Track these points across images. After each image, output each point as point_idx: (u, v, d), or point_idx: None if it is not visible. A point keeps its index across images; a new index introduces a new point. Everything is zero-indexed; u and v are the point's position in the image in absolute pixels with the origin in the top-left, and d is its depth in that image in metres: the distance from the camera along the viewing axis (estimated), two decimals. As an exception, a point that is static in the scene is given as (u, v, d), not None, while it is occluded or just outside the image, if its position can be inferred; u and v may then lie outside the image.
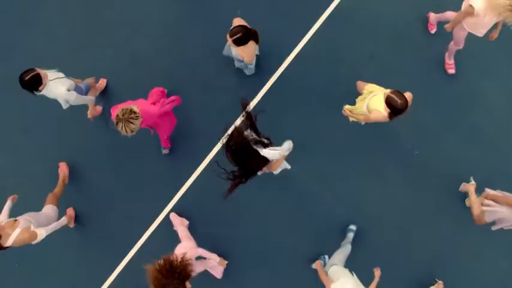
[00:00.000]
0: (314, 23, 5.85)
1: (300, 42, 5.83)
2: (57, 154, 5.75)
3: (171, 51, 5.86)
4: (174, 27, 5.88)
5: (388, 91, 4.18)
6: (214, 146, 5.68)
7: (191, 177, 5.74)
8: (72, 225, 5.52)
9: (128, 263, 5.73)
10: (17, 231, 4.40)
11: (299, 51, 5.84)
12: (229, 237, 5.66)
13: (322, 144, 5.71)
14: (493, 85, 5.75)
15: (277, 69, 5.83)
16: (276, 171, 4.61)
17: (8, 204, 4.77)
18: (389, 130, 5.68)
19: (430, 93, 5.71)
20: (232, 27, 4.46)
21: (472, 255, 5.61)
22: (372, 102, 4.40)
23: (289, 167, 4.78)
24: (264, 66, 5.77)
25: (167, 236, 5.59)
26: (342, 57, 5.77)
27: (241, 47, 4.46)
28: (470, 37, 5.14)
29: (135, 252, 5.72)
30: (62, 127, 5.79)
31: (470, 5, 4.58)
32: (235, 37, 4.34)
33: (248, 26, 4.48)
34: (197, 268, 4.70)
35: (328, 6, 5.88)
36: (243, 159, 3.79)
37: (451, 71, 5.68)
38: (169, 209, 5.71)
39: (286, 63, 5.81)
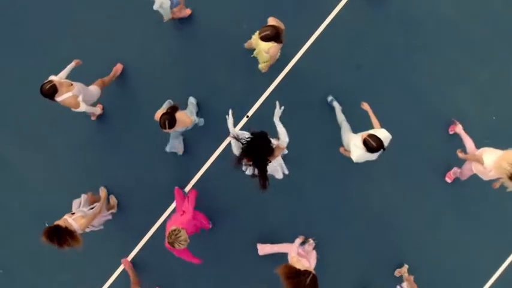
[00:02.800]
0: (311, 35, 6.15)
1: (297, 54, 6.14)
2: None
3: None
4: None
5: (258, 33, 4.77)
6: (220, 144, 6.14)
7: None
8: (110, 83, 5.90)
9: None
10: (69, 94, 4.96)
11: (296, 61, 6.14)
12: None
13: (315, 142, 6.11)
14: (466, 91, 6.15)
15: (277, 77, 6.16)
16: (279, 176, 5.29)
17: (71, 65, 5.18)
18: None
19: (410, 95, 6.11)
20: (159, 123, 4.85)
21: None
22: (263, 46, 4.94)
23: (287, 172, 5.34)
24: (263, 75, 6.09)
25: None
26: (334, 66, 6.10)
27: (175, 126, 4.90)
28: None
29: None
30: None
31: (482, 158, 4.88)
32: (166, 125, 4.79)
33: (164, 111, 4.88)
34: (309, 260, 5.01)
35: (324, 19, 6.16)
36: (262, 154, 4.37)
37: (448, 180, 6.06)
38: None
39: (285, 72, 6.17)
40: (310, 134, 6.13)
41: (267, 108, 6.06)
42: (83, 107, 5.13)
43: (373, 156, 4.80)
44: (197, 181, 6.17)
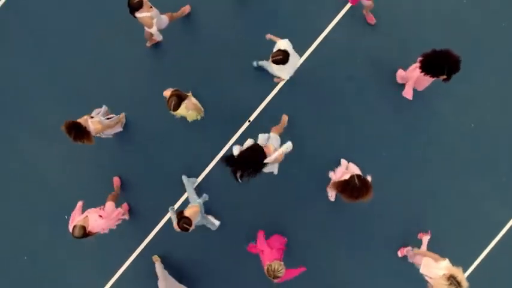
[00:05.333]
0: (313, 42, 6.56)
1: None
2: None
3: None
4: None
5: (170, 109, 5.14)
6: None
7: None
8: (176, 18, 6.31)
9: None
10: (148, 14, 5.48)
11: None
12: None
13: (310, 145, 6.46)
14: (447, 105, 6.57)
15: (272, 90, 6.53)
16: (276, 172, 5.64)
17: None
18: (365, 138, 6.52)
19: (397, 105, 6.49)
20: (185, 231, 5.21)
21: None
22: (184, 111, 5.34)
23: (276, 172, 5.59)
24: (262, 84, 6.53)
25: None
26: (328, 76, 6.47)
27: (193, 221, 5.27)
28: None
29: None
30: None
31: (447, 264, 5.12)
32: (186, 227, 5.12)
33: (176, 221, 5.19)
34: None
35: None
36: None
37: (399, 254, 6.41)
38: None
39: (279, 86, 6.55)
40: (308, 137, 6.49)
41: (269, 113, 6.51)
42: (154, 29, 5.68)
43: (294, 63, 5.38)
44: (206, 175, 6.61)
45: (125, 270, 6.66)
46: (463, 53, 6.26)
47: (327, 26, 6.62)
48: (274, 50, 5.23)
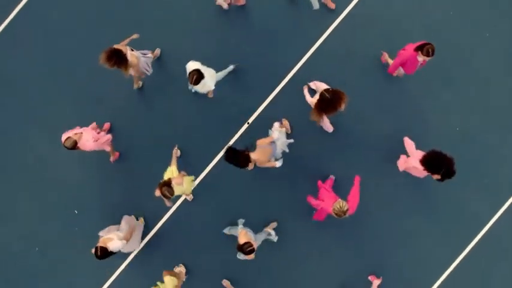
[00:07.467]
0: (311, 46, 6.69)
1: (297, 64, 6.67)
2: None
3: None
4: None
5: (169, 197, 5.44)
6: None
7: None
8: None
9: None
10: None
11: (296, 71, 6.65)
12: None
13: (311, 145, 6.56)
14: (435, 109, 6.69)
15: (277, 86, 6.65)
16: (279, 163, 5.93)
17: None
18: (355, 141, 6.64)
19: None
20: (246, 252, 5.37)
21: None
22: (179, 189, 5.61)
23: (287, 150, 5.94)
24: (260, 87, 6.69)
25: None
26: (324, 79, 6.26)
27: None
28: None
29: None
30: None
31: None
32: (251, 252, 5.32)
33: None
34: None
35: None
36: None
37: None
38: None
39: (285, 81, 6.66)
40: (307, 137, 6.58)
41: (268, 115, 6.61)
42: None
43: (211, 73, 5.71)
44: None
45: (125, 268, 6.79)
46: (446, 60, 6.63)
47: (321, 35, 6.77)
48: (187, 75, 5.50)
